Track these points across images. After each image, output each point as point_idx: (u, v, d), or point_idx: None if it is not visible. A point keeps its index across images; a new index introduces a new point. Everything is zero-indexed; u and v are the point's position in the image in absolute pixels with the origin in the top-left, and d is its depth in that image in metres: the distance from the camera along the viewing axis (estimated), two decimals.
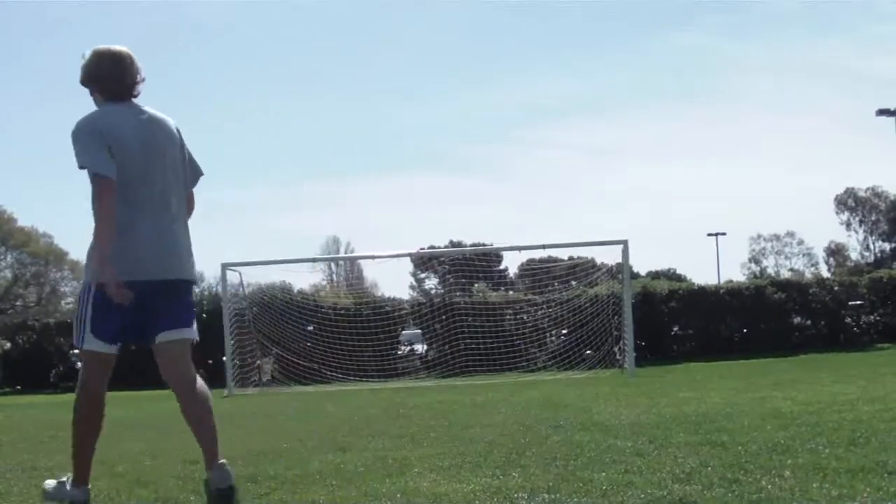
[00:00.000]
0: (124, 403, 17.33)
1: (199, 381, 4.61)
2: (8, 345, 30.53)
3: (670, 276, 56.68)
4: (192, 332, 4.66)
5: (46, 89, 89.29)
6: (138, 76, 4.72)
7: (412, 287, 71.51)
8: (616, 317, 23.49)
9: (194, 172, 4.90)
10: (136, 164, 4.48)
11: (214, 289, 47.62)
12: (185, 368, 4.59)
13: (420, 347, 27.56)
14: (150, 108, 4.74)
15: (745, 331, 28.03)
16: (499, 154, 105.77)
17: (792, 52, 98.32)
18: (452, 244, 67.35)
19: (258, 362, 23.82)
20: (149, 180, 4.52)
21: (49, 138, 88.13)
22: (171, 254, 4.54)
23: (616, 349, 23.43)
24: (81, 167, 4.45)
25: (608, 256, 25.84)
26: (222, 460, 4.41)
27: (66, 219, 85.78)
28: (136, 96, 4.73)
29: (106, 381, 4.72)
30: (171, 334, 4.53)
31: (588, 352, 22.12)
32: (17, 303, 56.29)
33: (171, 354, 4.55)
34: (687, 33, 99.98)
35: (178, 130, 4.81)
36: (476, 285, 30.99)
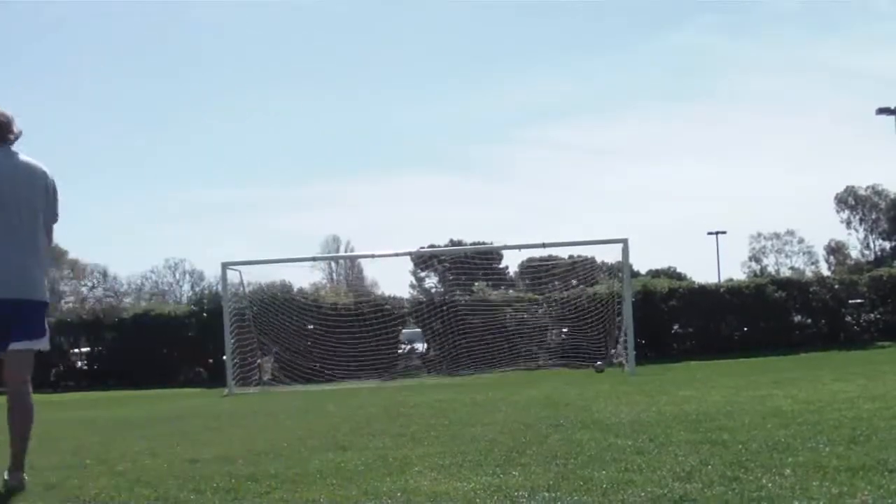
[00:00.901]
0: (126, 403, 17.33)
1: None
2: None
3: (670, 274, 56.57)
4: (40, 343, 5.46)
5: (44, 89, 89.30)
6: (13, 128, 5.56)
7: (412, 286, 71.51)
8: (617, 315, 23.50)
9: (53, 216, 5.68)
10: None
11: (215, 288, 47.69)
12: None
13: (420, 346, 27.59)
14: (24, 157, 5.55)
15: (745, 329, 28.04)
16: (499, 154, 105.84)
17: (792, 50, 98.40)
18: (453, 243, 67.36)
19: (258, 361, 23.82)
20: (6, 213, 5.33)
21: (46, 137, 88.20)
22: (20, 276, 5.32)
23: (614, 351, 23.43)
24: None
25: (608, 255, 25.92)
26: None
27: (66, 218, 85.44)
28: (10, 142, 5.53)
29: None
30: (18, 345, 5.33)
31: (599, 363, 22.09)
32: None
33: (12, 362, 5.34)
34: (686, 33, 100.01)
35: (46, 177, 5.60)
36: (476, 284, 30.94)
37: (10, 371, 5.35)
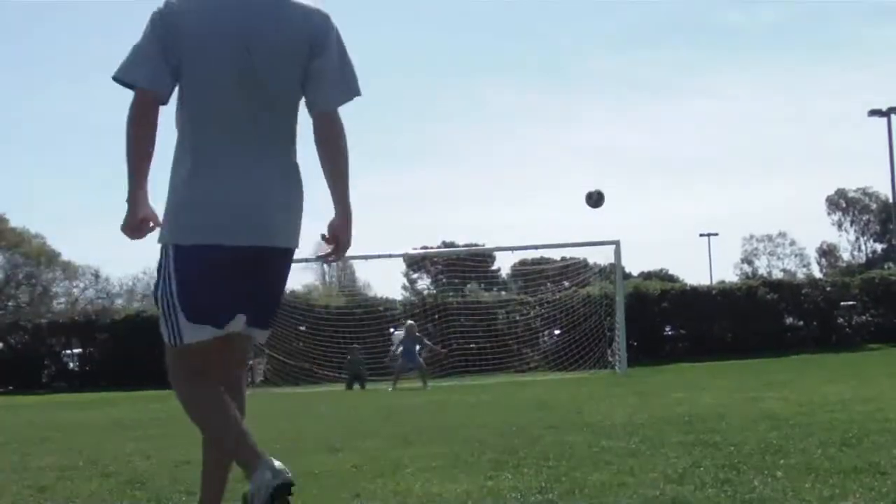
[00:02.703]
0: (118, 404, 17.30)
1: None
2: (0, 345, 30.47)
3: (662, 276, 56.72)
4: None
5: (41, 88, 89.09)
6: None
7: (405, 287, 71.46)
8: (609, 317, 23.53)
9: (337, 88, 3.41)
10: (220, 77, 3.29)
11: None
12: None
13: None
14: None
15: (737, 331, 28.11)
16: (494, 155, 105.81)
17: (783, 52, 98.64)
18: (445, 244, 67.35)
19: (250, 362, 23.80)
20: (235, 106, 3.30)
21: (42, 138, 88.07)
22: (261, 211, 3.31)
23: (609, 350, 23.47)
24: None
25: (600, 257, 25.93)
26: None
27: (59, 219, 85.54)
28: None
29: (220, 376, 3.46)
30: (253, 330, 3.47)
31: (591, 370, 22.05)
32: (9, 303, 56.16)
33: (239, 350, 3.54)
34: (676, 38, 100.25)
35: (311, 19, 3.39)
36: (468, 286, 31.02)
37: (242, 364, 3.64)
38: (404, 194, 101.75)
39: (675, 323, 28.80)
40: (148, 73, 3.25)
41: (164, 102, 3.30)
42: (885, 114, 34.51)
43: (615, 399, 10.77)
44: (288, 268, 3.45)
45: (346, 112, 3.44)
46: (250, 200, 3.26)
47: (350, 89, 3.42)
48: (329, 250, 3.45)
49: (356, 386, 22.01)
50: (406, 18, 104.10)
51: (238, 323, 3.33)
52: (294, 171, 3.43)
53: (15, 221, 56.59)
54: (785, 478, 4.24)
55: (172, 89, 3.31)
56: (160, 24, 3.27)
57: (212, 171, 3.27)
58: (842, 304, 28.87)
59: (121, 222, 3.36)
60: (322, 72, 3.35)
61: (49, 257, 57.98)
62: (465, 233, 77.65)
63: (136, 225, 3.36)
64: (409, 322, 22.17)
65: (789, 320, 29.05)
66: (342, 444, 6.96)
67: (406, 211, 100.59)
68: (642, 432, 6.61)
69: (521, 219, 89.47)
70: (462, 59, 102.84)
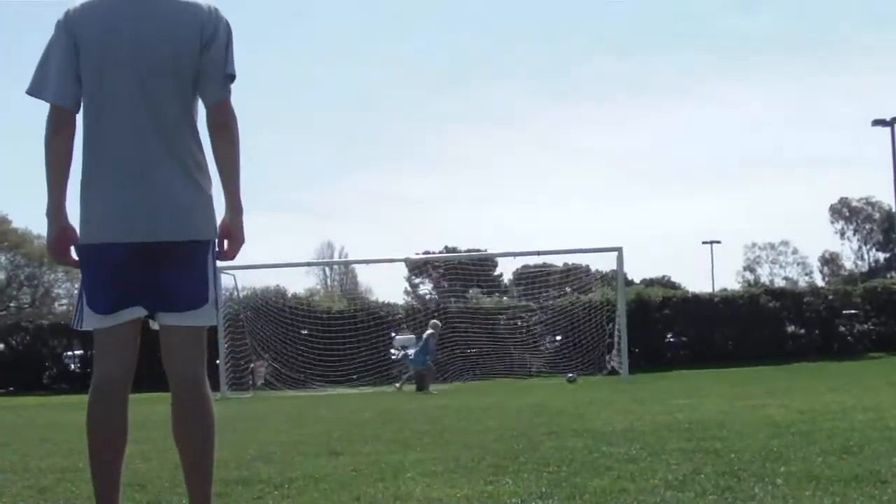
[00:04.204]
0: None
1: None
2: (1, 346, 30.48)
3: (664, 283, 56.67)
4: (199, 316, 3.45)
5: None
6: None
7: (407, 292, 71.50)
8: (610, 324, 23.53)
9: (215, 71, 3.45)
10: (109, 80, 3.36)
11: None
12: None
13: (413, 352, 27.59)
14: None
15: (738, 339, 28.09)
16: (497, 160, 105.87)
17: (787, 61, 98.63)
18: (447, 249, 67.39)
19: (252, 366, 23.80)
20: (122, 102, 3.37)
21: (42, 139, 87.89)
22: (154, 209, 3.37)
23: (608, 356, 23.47)
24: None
25: (603, 263, 26.01)
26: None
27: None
28: None
29: (122, 366, 3.46)
30: (168, 318, 3.43)
31: (570, 375, 21.74)
32: (11, 304, 56.19)
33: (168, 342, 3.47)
34: (681, 44, 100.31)
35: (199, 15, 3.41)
36: (470, 291, 31.01)
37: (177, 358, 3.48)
38: (407, 199, 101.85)
39: (676, 330, 28.79)
40: (56, 89, 3.36)
41: (77, 111, 3.43)
42: (889, 123, 34.49)
43: (616, 405, 10.76)
44: (192, 256, 3.43)
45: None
46: (139, 200, 3.36)
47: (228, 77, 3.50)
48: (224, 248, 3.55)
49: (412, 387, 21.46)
50: (410, 20, 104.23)
51: (134, 312, 3.41)
52: (193, 166, 3.45)
53: (17, 222, 56.65)
54: (785, 485, 4.24)
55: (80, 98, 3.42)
56: (64, 33, 3.38)
57: (106, 172, 3.40)
58: (844, 312, 28.86)
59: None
60: (211, 65, 3.43)
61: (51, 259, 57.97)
62: (468, 238, 77.74)
63: (55, 238, 3.47)
64: (435, 321, 22.26)
65: (791, 328, 29.04)
66: (343, 447, 6.96)
67: (408, 215, 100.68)
68: (643, 439, 6.61)
69: (523, 224, 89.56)
70: (467, 61, 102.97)
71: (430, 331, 21.76)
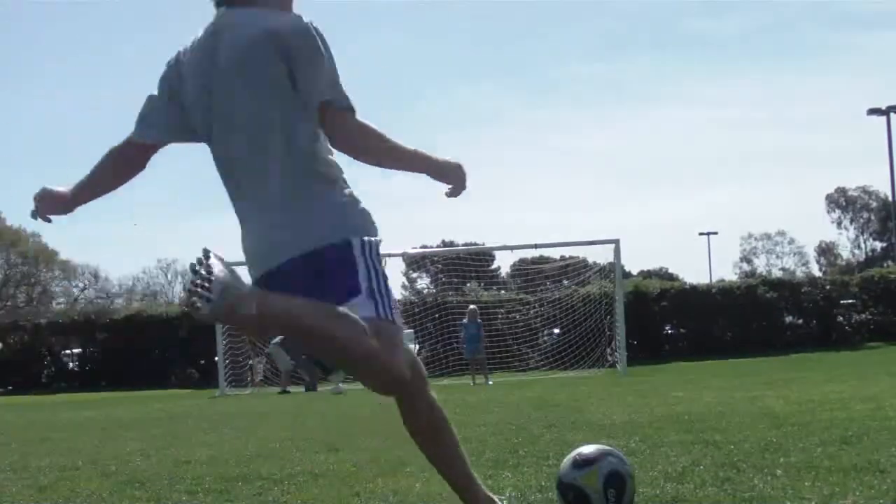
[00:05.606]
0: (118, 404, 17.29)
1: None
2: None
3: (662, 275, 56.78)
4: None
5: (36, 87, 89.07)
6: None
7: (404, 287, 71.50)
8: (608, 316, 23.54)
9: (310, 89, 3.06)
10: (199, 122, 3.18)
11: None
12: None
13: (412, 347, 27.62)
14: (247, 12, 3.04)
15: (736, 330, 28.12)
16: (493, 155, 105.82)
17: (783, 51, 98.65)
18: (444, 244, 67.36)
19: (250, 363, 23.79)
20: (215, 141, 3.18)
21: (38, 137, 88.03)
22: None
23: (608, 349, 23.47)
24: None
25: (600, 256, 25.92)
26: None
27: (56, 219, 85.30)
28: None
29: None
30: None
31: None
32: (8, 303, 56.14)
33: None
34: (674, 35, 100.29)
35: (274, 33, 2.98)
36: (468, 285, 30.99)
37: None
38: (403, 193, 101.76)
39: (674, 322, 28.82)
40: (142, 125, 3.28)
41: (155, 150, 3.35)
42: (885, 112, 34.48)
43: (615, 398, 10.77)
44: (329, 264, 3.19)
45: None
46: (257, 238, 3.34)
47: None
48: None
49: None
50: (409, 21, 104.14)
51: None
52: (300, 181, 3.16)
53: (11, 220, 56.54)
54: (785, 476, 4.24)
55: (164, 139, 3.31)
56: (168, 73, 3.23)
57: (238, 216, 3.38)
58: (841, 302, 28.90)
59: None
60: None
61: (47, 257, 57.91)
62: (465, 232, 77.69)
63: (44, 190, 3.42)
64: (472, 307, 22.23)
65: (789, 319, 29.08)
66: (342, 443, 6.96)
67: (405, 210, 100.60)
68: (642, 431, 6.61)
69: (520, 218, 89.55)
70: (461, 61, 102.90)
71: (478, 319, 21.86)
